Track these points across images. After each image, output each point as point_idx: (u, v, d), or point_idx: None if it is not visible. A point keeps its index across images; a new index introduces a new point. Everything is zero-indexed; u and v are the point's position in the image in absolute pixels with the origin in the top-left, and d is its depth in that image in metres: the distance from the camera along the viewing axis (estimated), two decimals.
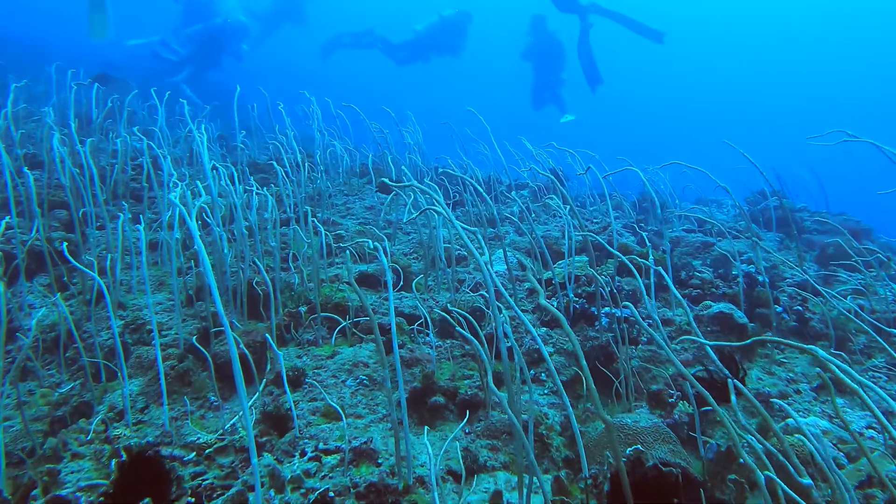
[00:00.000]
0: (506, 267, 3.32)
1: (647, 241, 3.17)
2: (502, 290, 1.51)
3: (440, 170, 5.33)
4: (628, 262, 2.11)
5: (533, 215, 4.56)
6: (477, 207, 4.61)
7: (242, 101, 4.84)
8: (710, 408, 1.37)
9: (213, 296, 1.35)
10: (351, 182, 5.64)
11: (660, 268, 2.26)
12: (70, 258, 2.12)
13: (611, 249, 2.44)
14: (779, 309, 2.73)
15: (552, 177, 3.13)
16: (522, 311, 2.56)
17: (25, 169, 3.19)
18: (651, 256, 2.71)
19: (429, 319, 2.12)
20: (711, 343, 1.40)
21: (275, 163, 3.39)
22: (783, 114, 30.35)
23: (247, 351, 1.94)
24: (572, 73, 10.74)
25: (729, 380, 1.29)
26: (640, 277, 2.94)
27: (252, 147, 5.88)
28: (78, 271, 3.22)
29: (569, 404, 1.38)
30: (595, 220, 4.82)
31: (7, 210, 3.54)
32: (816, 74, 31.19)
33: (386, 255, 3.08)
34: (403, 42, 12.49)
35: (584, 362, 1.35)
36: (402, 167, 4.03)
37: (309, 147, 5.50)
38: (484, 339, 2.14)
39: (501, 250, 3.52)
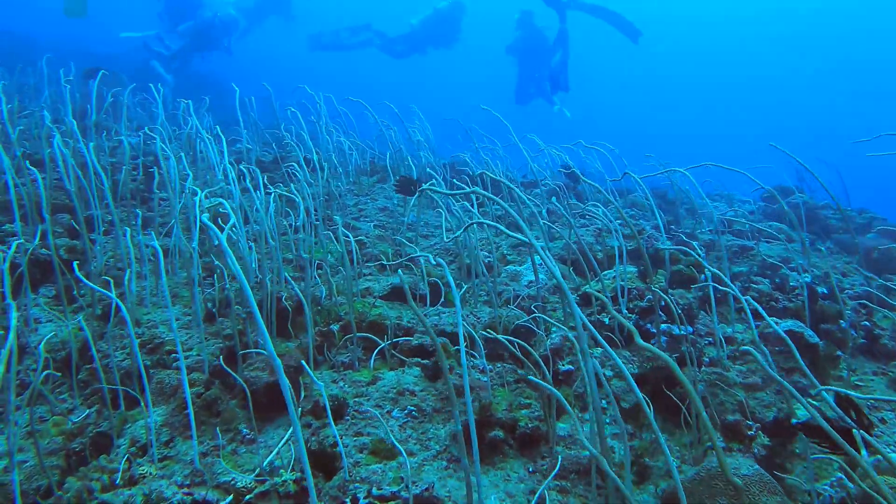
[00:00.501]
0: (542, 277, 3.19)
1: (699, 251, 3.04)
2: (585, 319, 1.38)
3: (475, 172, 5.18)
4: (725, 278, 1.97)
5: (572, 219, 4.41)
6: (514, 207, 4.47)
7: (233, 94, 4.70)
8: (824, 455, 1.24)
9: (255, 318, 1.22)
10: (361, 181, 5.49)
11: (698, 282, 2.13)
12: (80, 276, 1.98)
13: (700, 260, 2.30)
14: (844, 324, 2.61)
15: (585, 177, 2.99)
16: (570, 327, 2.42)
17: (28, 164, 3.05)
18: (707, 267, 2.58)
19: (479, 341, 1.99)
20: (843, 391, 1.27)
21: (295, 164, 3.24)
22: (791, 106, 30.39)
23: (285, 378, 1.81)
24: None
25: (855, 431, 1.16)
26: (695, 290, 2.81)
27: (251, 143, 5.76)
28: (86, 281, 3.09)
29: (668, 453, 1.25)
30: (619, 221, 4.67)
31: (7, 213, 3.41)
32: (822, 66, 31.23)
33: (415, 265, 2.95)
34: (400, 36, 12.82)
35: (694, 393, 1.23)
36: (427, 169, 3.88)
37: (314, 144, 5.36)
38: (540, 360, 2.01)
39: (532, 258, 3.37)
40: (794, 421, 1.80)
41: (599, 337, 1.37)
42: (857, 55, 29.96)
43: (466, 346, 2.22)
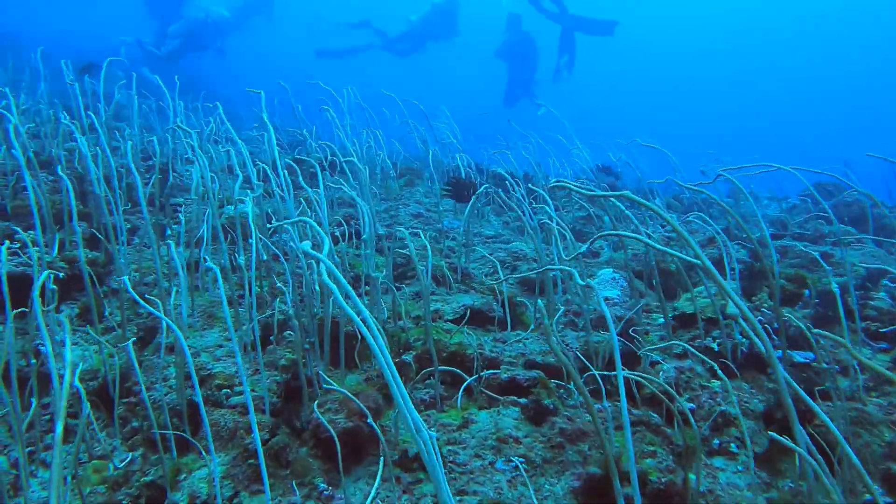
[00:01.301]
0: (618, 292, 2.98)
1: (823, 264, 2.82)
2: (777, 359, 1.17)
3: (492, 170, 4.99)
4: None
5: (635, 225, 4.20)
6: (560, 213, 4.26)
7: (226, 93, 4.54)
8: None
9: (381, 358, 1.01)
10: (388, 185, 5.30)
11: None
12: (132, 293, 1.79)
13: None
14: None
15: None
16: (675, 355, 2.22)
17: (59, 170, 2.86)
18: (833, 282, 2.36)
19: (599, 377, 1.77)
20: None
21: (347, 160, 3.05)
22: (789, 105, 30.44)
23: (373, 423, 1.61)
24: (545, 72, 11.69)
25: None
26: (801, 307, 2.60)
27: (258, 143, 5.62)
28: (109, 297, 2.91)
29: None
30: (665, 225, 4.44)
31: (20, 220, 3.23)
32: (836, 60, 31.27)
33: (472, 279, 2.72)
34: (400, 34, 13.22)
35: None
36: (496, 169, 3.68)
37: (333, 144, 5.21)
38: (677, 396, 1.80)
39: (608, 270, 3.17)
40: None
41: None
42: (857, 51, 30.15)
43: (561, 381, 2.01)
